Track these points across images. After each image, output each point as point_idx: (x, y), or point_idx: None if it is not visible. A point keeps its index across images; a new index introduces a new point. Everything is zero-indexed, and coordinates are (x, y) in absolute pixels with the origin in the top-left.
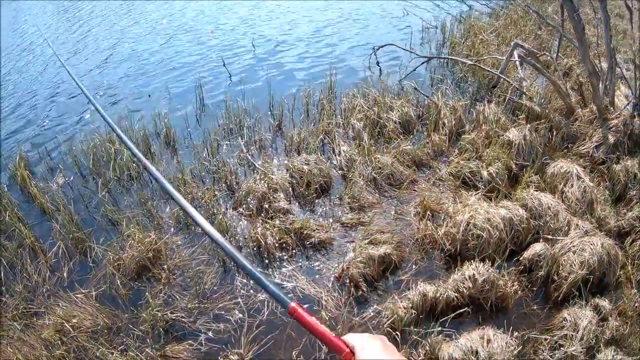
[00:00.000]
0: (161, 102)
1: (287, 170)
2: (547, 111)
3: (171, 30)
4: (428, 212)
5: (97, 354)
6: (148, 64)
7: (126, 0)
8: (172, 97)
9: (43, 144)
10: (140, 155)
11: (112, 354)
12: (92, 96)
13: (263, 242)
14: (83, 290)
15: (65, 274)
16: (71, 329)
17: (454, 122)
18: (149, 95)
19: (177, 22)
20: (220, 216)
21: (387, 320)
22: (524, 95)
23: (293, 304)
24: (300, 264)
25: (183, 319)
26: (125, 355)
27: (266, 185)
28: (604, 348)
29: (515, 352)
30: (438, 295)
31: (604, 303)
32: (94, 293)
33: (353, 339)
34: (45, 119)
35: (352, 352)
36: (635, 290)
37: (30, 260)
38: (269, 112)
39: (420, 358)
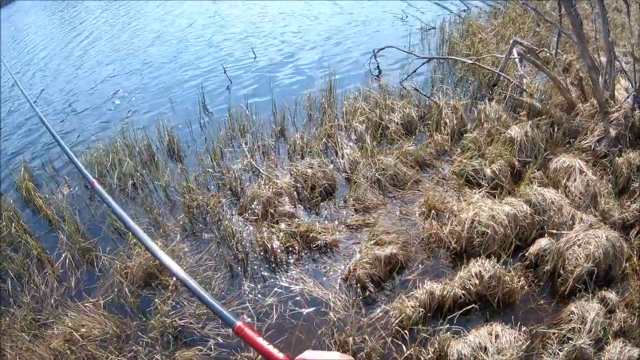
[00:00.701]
0: (164, 111)
1: (291, 174)
2: (548, 107)
3: (171, 39)
4: (432, 212)
5: None
6: (150, 73)
7: (127, 13)
8: (174, 105)
9: (47, 156)
10: (87, 173)
11: None
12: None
13: (269, 246)
14: (91, 300)
15: (72, 284)
16: (80, 338)
17: (455, 122)
18: (150, 104)
19: (176, 30)
20: (226, 222)
21: (395, 319)
22: (524, 92)
23: (239, 323)
24: (307, 266)
25: (192, 325)
26: None
27: (271, 190)
28: (612, 340)
29: (524, 346)
30: (445, 293)
31: (611, 295)
32: (102, 302)
33: (310, 356)
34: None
35: None
36: None
37: (38, 271)
38: (272, 117)
39: (429, 356)
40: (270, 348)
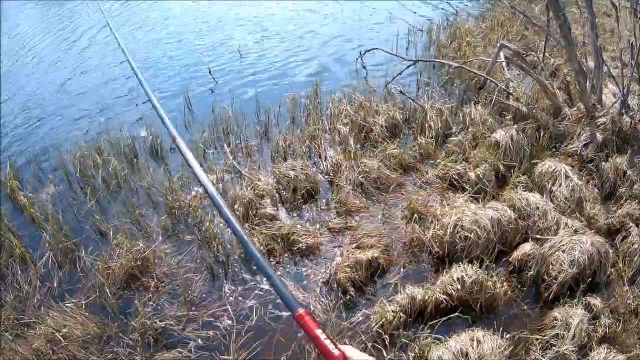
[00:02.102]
0: (148, 110)
1: (274, 176)
2: (534, 111)
3: (156, 38)
4: (415, 215)
5: None
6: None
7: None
8: (159, 103)
9: (32, 154)
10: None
11: None
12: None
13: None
14: (73, 300)
15: (55, 284)
16: (62, 339)
17: (440, 125)
18: (136, 105)
19: (160, 29)
20: (208, 223)
21: (376, 323)
22: (510, 96)
23: (302, 311)
24: (288, 269)
25: (172, 327)
26: None
27: (252, 192)
28: (597, 346)
29: (506, 352)
30: (427, 297)
31: (596, 301)
32: (83, 302)
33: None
34: (34, 128)
35: None
36: (627, 288)
37: (21, 271)
38: (256, 119)
39: None
40: (327, 342)
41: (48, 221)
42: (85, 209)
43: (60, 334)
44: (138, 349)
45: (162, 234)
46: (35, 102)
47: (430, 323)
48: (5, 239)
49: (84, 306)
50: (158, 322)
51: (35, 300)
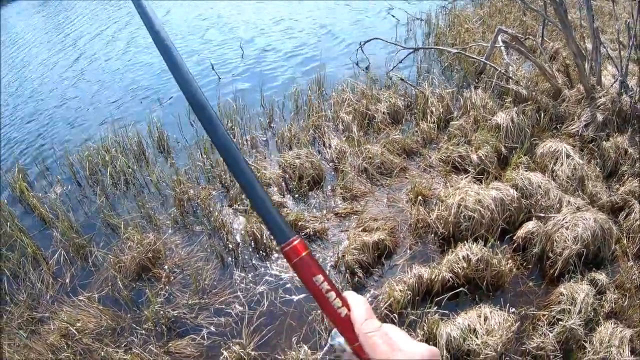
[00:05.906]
0: (153, 106)
1: (280, 165)
2: (534, 94)
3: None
4: (420, 198)
5: (102, 355)
6: (137, 70)
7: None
8: (163, 100)
9: (40, 155)
10: None
11: (117, 353)
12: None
13: (259, 236)
14: (86, 294)
15: (67, 280)
16: (76, 332)
17: (441, 110)
18: (141, 102)
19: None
20: (217, 214)
21: (385, 303)
22: (510, 80)
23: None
24: None
25: (185, 315)
26: (130, 354)
27: (259, 181)
28: (604, 321)
29: (514, 328)
30: (433, 276)
31: (601, 277)
32: (96, 296)
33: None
34: (40, 130)
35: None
36: (632, 263)
37: (33, 269)
38: (260, 111)
39: (419, 338)
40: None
41: (58, 219)
42: (95, 206)
43: (74, 327)
44: (152, 338)
45: (172, 226)
46: (40, 105)
47: (437, 300)
48: (16, 238)
49: (97, 299)
50: (171, 311)
51: (48, 297)
